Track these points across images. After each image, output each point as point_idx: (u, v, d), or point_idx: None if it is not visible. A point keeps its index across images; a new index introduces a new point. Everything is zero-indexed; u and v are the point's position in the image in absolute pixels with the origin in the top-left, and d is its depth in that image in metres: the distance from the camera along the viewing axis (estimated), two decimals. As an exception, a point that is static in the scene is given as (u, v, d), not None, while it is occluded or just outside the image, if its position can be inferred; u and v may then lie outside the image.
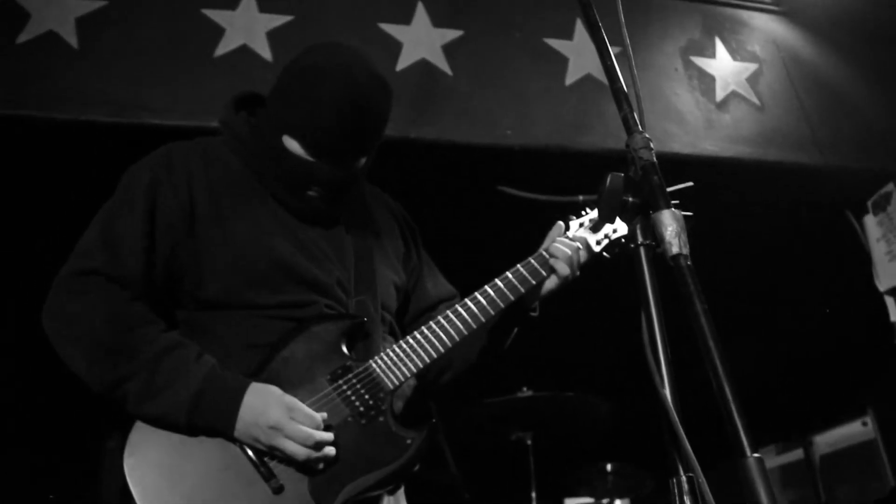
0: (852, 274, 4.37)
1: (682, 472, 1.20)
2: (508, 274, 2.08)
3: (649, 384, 1.24)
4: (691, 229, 1.30)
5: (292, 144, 1.94)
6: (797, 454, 6.47)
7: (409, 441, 1.89)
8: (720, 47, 4.17)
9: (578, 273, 2.13)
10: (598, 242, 2.18)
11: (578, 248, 2.12)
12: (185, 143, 2.09)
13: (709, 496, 1.11)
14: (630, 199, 1.38)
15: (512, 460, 3.92)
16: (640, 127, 1.44)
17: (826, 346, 5.11)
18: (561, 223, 2.21)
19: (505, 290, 2.05)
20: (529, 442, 3.85)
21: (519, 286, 2.07)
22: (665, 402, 1.21)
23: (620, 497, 4.05)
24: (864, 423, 6.04)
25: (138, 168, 2.01)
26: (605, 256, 2.21)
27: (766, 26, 4.32)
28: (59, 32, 3.34)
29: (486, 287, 2.06)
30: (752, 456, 1.06)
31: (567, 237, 2.16)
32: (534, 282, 2.09)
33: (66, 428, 5.02)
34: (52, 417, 5.03)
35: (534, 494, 3.83)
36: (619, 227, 2.20)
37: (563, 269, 2.09)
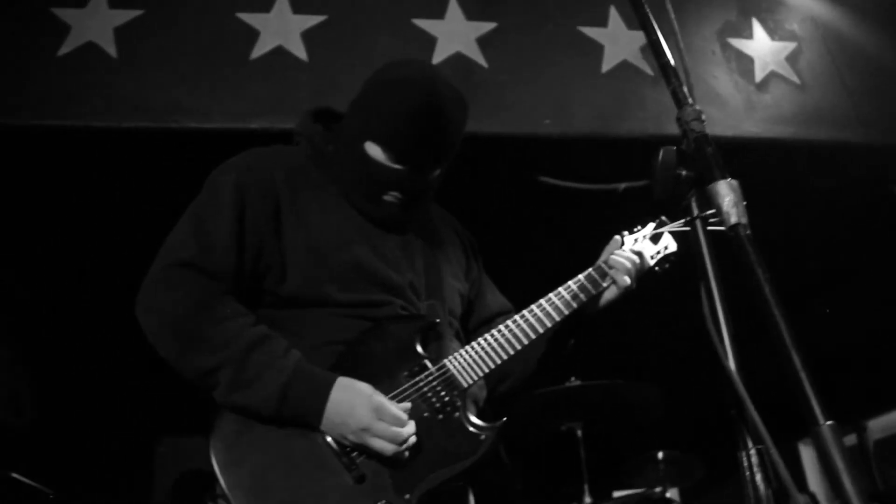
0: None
1: (751, 445, 1.18)
2: (570, 283, 2.16)
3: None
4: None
5: (374, 150, 2.01)
6: (850, 440, 6.35)
7: (482, 437, 1.95)
8: (757, 27, 4.10)
9: (635, 285, 2.20)
10: (652, 257, 2.26)
11: (636, 262, 2.20)
12: (264, 148, 2.18)
13: (781, 467, 1.09)
14: (684, 172, 1.37)
15: (562, 451, 3.90)
16: (689, 100, 1.42)
17: (879, 327, 5.01)
18: (617, 237, 2.28)
19: (568, 297, 2.13)
20: (580, 432, 3.82)
21: (581, 295, 2.14)
22: (731, 375, 1.19)
23: (672, 485, 4.00)
24: (920, 407, 5.91)
25: (223, 170, 2.08)
26: (656, 271, 2.27)
27: (803, 4, 4.22)
28: (99, 43, 3.40)
29: (550, 295, 2.13)
30: (826, 424, 1.04)
31: (623, 251, 2.22)
32: (594, 292, 2.16)
33: (117, 433, 5.11)
34: (104, 424, 5.12)
35: (586, 486, 3.80)
36: (670, 244, 2.28)
37: (623, 280, 2.16)
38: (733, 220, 1.23)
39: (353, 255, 2.02)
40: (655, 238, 2.27)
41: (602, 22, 3.88)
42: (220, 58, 3.47)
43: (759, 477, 1.16)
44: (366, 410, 1.84)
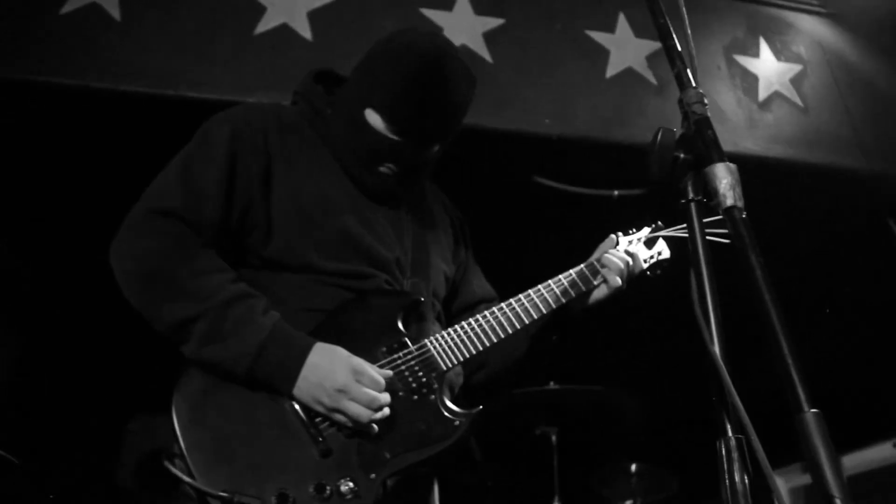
0: (892, 285, 4.27)
1: (730, 433, 1.14)
2: (561, 277, 2.11)
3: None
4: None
5: (374, 119, 1.96)
6: (824, 472, 6.29)
7: (457, 423, 1.89)
8: (764, 47, 4.11)
9: (626, 287, 2.15)
10: (645, 261, 2.21)
11: (629, 263, 2.15)
12: (261, 104, 2.15)
13: (762, 455, 1.05)
14: (682, 154, 1.34)
15: (536, 455, 3.86)
16: (693, 83, 1.40)
17: (857, 361, 4.99)
18: (612, 237, 2.23)
19: (557, 292, 2.08)
20: (554, 437, 3.78)
21: (570, 290, 2.10)
22: (715, 359, 1.16)
23: (643, 498, 3.96)
24: (895, 445, 5.87)
25: (218, 121, 2.02)
26: (648, 276, 2.23)
27: (811, 28, 4.24)
28: (102, 4, 3.34)
29: (539, 287, 2.09)
30: (811, 411, 1.01)
31: (617, 251, 2.17)
32: (584, 289, 2.12)
33: (85, 410, 5.04)
34: (72, 400, 5.05)
35: (556, 493, 3.76)
36: (664, 250, 2.25)
37: (615, 281, 2.11)
38: (729, 202, 1.21)
39: (341, 224, 1.97)
40: (650, 242, 2.24)
41: (610, 28, 3.87)
42: (224, 30, 3.43)
43: (736, 466, 1.13)
44: (345, 371, 1.79)
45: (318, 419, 1.81)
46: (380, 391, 1.81)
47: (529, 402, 3.74)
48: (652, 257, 2.23)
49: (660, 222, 2.28)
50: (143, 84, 3.26)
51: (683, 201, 1.32)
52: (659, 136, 1.36)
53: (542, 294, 2.07)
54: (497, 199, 3.82)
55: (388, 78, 1.95)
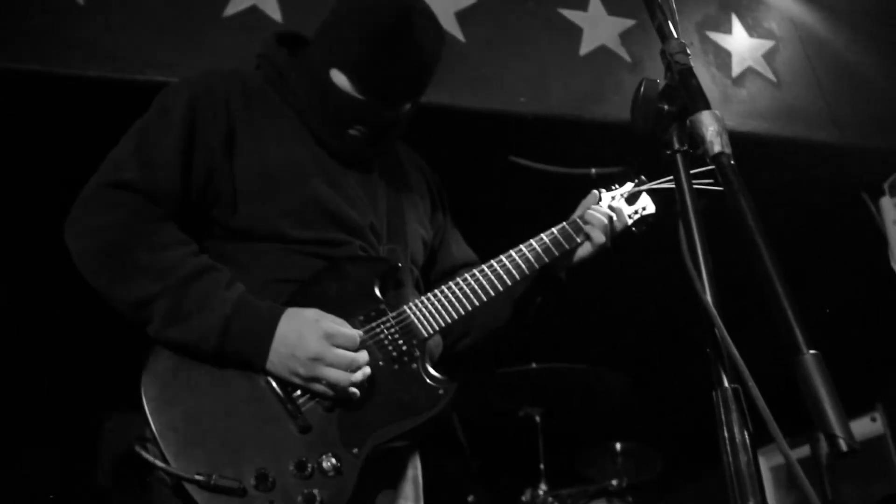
0: (867, 257, 4.29)
1: (726, 383, 1.11)
2: (543, 236, 2.06)
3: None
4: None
5: (340, 79, 1.89)
6: (804, 451, 6.34)
7: (441, 391, 1.83)
8: (736, 23, 4.12)
9: (610, 245, 2.10)
10: (630, 216, 2.16)
11: (613, 219, 2.10)
12: (223, 70, 2.04)
13: (761, 403, 1.02)
14: (666, 106, 1.32)
15: (520, 436, 3.84)
16: (675, 34, 1.37)
17: (835, 334, 5.02)
18: (595, 192, 2.18)
19: (539, 250, 2.02)
20: (538, 418, 3.76)
21: (553, 249, 2.04)
22: (708, 308, 1.13)
23: (629, 478, 3.94)
24: (873, 419, 5.92)
25: (176, 88, 1.95)
26: (633, 231, 2.19)
27: (782, 4, 4.26)
28: (64, -12, 3.27)
29: (521, 246, 2.03)
30: (809, 352, 0.99)
31: (601, 207, 2.12)
32: (567, 247, 2.06)
33: (63, 409, 4.95)
34: (49, 398, 4.96)
35: (542, 474, 3.74)
36: (648, 205, 2.19)
37: (599, 237, 2.06)
38: (717, 149, 1.19)
39: (310, 190, 1.89)
40: (633, 198, 2.18)
41: (583, 6, 3.85)
42: (192, 12, 3.36)
43: (734, 416, 1.10)
44: (316, 337, 1.71)
45: (295, 393, 1.75)
46: (354, 348, 1.75)
47: (513, 382, 3.71)
48: (636, 212, 2.18)
49: (643, 177, 2.22)
50: (109, 69, 3.18)
51: (669, 152, 1.29)
52: (642, 88, 1.34)
53: (524, 253, 2.01)
54: (472, 179, 3.79)
55: (353, 36, 1.87)
